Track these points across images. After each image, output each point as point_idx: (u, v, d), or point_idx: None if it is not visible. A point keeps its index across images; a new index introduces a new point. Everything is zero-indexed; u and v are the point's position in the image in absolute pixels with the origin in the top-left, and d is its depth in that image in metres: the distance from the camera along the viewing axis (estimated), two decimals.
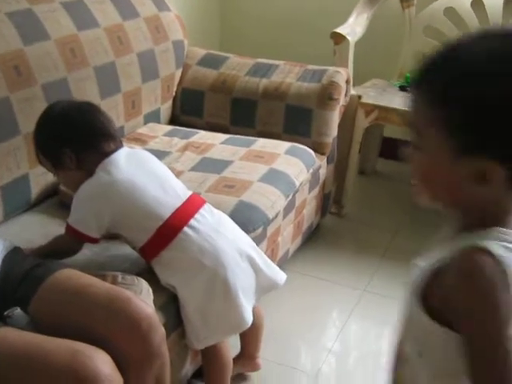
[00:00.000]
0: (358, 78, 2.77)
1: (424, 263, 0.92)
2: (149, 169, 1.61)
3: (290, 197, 2.02)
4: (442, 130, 0.82)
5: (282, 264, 2.09)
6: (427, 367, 0.91)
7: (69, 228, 1.52)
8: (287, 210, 2.08)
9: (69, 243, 1.54)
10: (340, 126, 2.47)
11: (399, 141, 3.24)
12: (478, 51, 0.82)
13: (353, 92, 2.58)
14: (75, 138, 1.54)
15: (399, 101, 2.63)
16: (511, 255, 0.82)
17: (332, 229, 2.68)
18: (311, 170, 2.18)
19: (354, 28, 2.66)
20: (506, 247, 0.83)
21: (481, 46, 0.83)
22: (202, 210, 1.58)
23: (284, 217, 2.07)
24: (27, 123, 1.78)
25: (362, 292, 2.28)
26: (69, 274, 1.36)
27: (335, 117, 2.36)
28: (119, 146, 1.60)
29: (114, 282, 1.44)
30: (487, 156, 0.80)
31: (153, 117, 2.37)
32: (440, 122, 0.82)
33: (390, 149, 3.19)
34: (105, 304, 1.28)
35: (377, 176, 3.17)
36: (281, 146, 2.17)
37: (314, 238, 2.55)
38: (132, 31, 2.25)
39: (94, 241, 1.53)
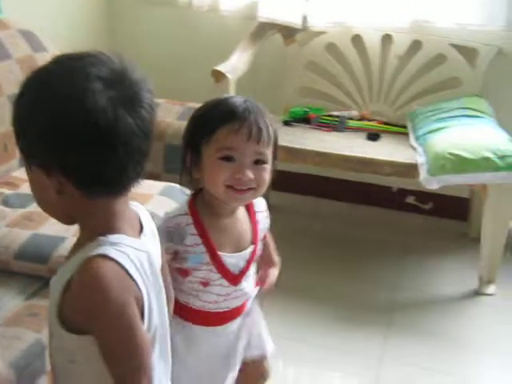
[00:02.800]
0: None
1: (55, 279, 1.00)
2: None
3: None
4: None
5: None
6: (86, 370, 0.99)
7: None
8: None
9: None
10: None
11: (290, 173, 3.31)
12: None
13: None
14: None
15: (282, 136, 2.67)
16: (124, 256, 0.94)
17: None
18: None
19: (235, 65, 2.69)
20: (118, 250, 0.93)
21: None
22: None
23: None
24: None
25: None
26: None
27: None
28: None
29: None
30: (49, 169, 0.92)
31: None
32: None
33: (282, 181, 3.23)
34: None
35: (270, 209, 3.19)
36: (155, 186, 2.15)
37: None
38: (2, 73, 2.21)
39: None
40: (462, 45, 2.89)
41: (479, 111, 2.66)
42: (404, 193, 3.24)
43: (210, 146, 1.27)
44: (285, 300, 2.44)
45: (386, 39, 2.95)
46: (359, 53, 2.96)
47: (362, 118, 2.89)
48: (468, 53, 2.89)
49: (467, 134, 2.43)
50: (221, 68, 2.60)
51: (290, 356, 2.16)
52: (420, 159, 2.40)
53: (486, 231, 2.48)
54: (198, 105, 2.45)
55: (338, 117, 2.84)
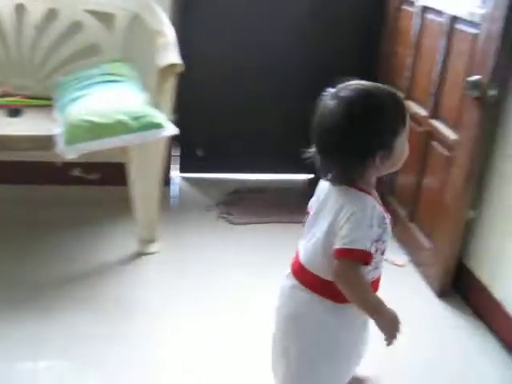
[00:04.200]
0: None
1: None
2: None
3: None
4: None
5: None
6: None
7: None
8: None
9: None
10: None
11: None
12: None
13: None
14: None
15: None
16: None
17: None
18: None
19: None
20: None
21: None
22: None
23: None
24: None
25: None
26: None
27: None
28: None
29: None
30: None
31: None
32: None
33: None
34: None
35: None
36: None
37: None
38: None
39: None
40: (98, 11, 2.88)
41: (121, 75, 2.68)
42: (70, 166, 3.18)
43: (401, 135, 1.39)
44: None
45: (20, 9, 2.82)
46: None
47: (3, 95, 2.74)
48: (105, 18, 2.89)
49: (104, 99, 2.43)
50: None
51: None
52: (58, 130, 2.34)
53: (136, 193, 2.54)
54: None
55: None
